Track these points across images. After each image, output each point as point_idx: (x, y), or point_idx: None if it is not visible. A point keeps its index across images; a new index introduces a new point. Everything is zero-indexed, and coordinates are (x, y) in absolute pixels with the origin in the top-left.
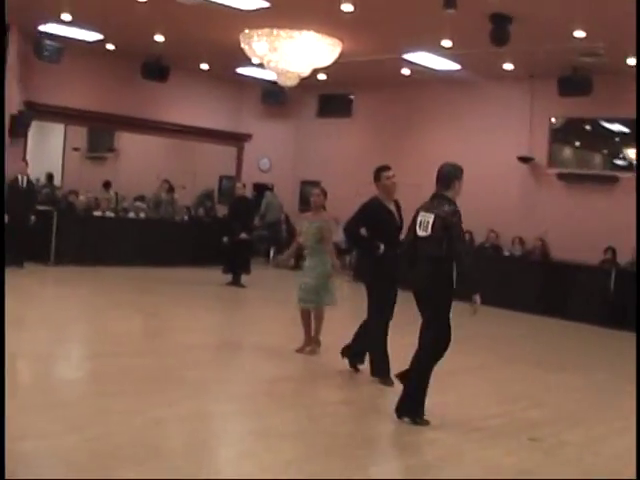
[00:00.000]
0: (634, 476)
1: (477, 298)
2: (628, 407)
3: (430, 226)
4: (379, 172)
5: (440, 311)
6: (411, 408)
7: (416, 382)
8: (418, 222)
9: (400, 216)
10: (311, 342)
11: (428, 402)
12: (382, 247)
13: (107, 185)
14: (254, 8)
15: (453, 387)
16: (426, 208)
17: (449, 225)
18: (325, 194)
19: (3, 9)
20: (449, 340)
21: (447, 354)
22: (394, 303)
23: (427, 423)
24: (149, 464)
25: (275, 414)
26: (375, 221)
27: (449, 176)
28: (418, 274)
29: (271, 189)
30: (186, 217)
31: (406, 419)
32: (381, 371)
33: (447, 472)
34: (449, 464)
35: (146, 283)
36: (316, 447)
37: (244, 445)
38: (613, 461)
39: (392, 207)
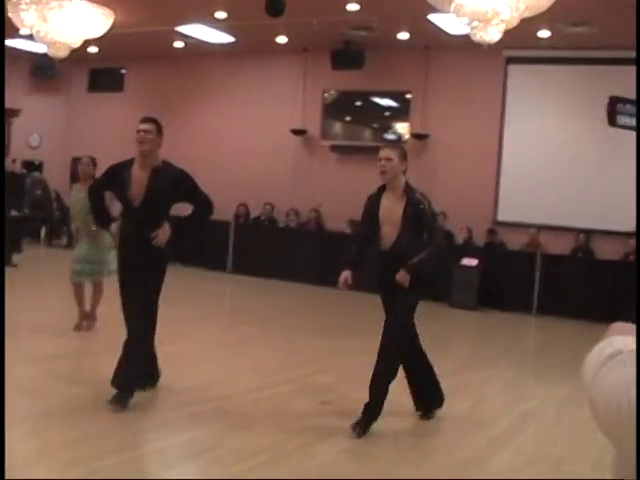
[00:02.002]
0: None
1: None
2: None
3: None
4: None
5: None
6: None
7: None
8: None
9: (153, 186)
10: (86, 317)
11: (216, 372)
12: (113, 223)
13: None
14: None
15: (236, 357)
16: None
17: None
18: (95, 164)
19: (3, 9)
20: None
21: (227, 326)
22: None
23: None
24: None
25: (56, 392)
26: (114, 187)
27: None
28: None
29: (38, 168)
30: None
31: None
32: None
33: (241, 439)
34: (242, 432)
35: None
36: (102, 423)
37: (26, 427)
38: (395, 407)
39: (142, 173)
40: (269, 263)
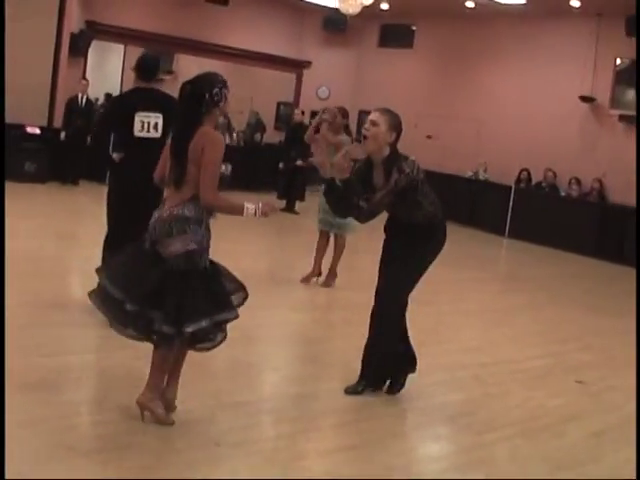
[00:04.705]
0: None
1: None
2: None
3: None
4: None
5: None
6: None
7: None
8: None
9: None
10: (318, 271)
11: (477, 339)
12: None
13: None
14: None
15: (500, 325)
16: None
17: None
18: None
19: (3, 8)
20: None
21: (497, 292)
22: None
23: None
24: None
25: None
26: None
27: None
28: None
29: None
30: (242, 142)
31: None
32: None
33: (492, 411)
34: (496, 401)
35: None
36: None
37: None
38: None
39: None
40: (547, 230)
